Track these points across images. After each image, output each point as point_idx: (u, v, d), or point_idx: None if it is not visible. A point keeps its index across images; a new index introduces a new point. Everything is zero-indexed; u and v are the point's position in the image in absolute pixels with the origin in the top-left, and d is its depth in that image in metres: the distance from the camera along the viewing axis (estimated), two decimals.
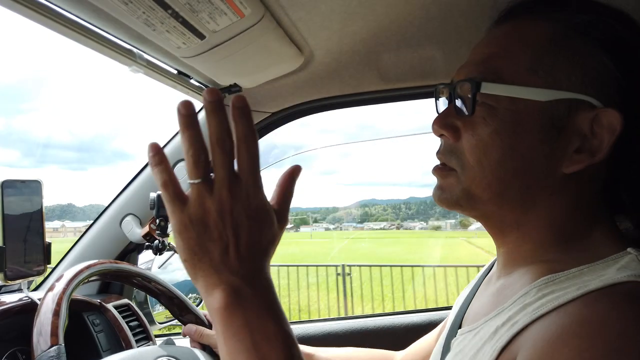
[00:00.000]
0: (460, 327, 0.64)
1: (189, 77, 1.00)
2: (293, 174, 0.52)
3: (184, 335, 0.99)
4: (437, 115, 0.61)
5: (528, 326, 0.47)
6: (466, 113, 0.56)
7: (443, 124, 0.59)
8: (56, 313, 0.77)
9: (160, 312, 1.28)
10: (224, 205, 0.46)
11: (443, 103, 0.64)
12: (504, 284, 0.59)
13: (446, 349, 0.63)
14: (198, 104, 1.16)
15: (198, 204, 0.46)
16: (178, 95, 1.02)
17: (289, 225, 0.55)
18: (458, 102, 0.58)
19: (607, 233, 0.54)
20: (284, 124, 1.27)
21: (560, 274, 0.50)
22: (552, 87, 0.52)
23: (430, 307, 1.65)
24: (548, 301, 0.47)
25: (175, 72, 0.96)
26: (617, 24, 0.54)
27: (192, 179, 0.46)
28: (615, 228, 0.56)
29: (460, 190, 0.58)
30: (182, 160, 1.21)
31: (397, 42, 0.92)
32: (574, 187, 0.54)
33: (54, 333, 0.74)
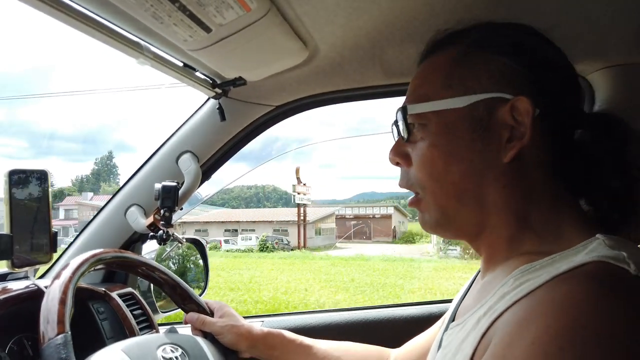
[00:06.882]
0: (453, 321, 0.68)
1: (194, 69, 1.01)
2: None
3: (186, 323, 1.01)
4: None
5: (504, 312, 0.51)
6: (407, 137, 0.66)
7: (395, 153, 0.69)
8: (62, 301, 0.79)
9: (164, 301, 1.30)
10: None
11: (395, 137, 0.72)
12: (488, 279, 0.64)
13: (440, 343, 0.68)
14: (203, 97, 1.17)
15: None
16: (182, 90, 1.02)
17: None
18: (401, 131, 0.67)
19: (575, 221, 0.60)
20: (287, 117, 1.28)
21: (535, 263, 0.55)
22: (465, 94, 0.62)
23: (430, 300, 1.67)
24: (522, 289, 0.51)
25: (181, 64, 0.97)
26: (509, 31, 0.65)
27: None
28: (583, 215, 0.62)
29: (433, 209, 0.65)
30: (185, 152, 1.22)
31: (401, 38, 0.93)
32: (522, 174, 0.61)
33: (60, 321, 0.75)
